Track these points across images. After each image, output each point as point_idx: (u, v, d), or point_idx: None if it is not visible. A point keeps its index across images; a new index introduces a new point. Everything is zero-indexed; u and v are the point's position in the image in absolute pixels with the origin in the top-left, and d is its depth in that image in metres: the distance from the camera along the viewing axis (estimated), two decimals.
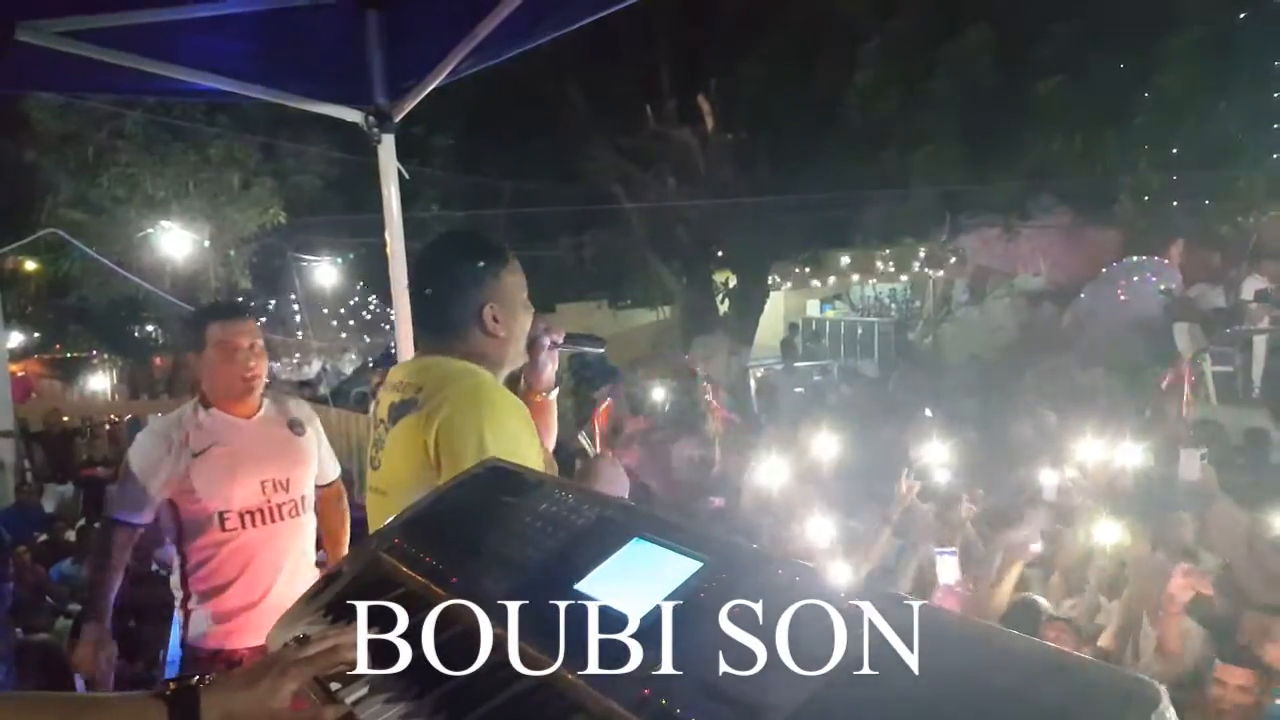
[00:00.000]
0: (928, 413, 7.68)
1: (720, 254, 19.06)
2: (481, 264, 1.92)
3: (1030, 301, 15.46)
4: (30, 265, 15.15)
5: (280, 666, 1.08)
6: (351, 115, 3.23)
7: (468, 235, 2.10)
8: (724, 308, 19.18)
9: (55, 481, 10.25)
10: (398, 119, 3.19)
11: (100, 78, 3.13)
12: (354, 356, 20.21)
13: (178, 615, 2.94)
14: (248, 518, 2.79)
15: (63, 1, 2.64)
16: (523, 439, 1.81)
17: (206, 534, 2.79)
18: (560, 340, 2.10)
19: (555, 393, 2.14)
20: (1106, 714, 0.80)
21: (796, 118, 16.22)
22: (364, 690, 1.15)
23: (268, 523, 2.82)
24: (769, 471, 5.09)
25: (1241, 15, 13.18)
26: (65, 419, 12.77)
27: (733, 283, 19.40)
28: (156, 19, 2.71)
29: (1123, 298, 13.39)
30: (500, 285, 1.92)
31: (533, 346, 2.05)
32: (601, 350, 2.30)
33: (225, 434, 2.83)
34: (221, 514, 2.78)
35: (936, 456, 5.17)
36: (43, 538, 7.74)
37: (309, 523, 2.97)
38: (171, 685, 1.05)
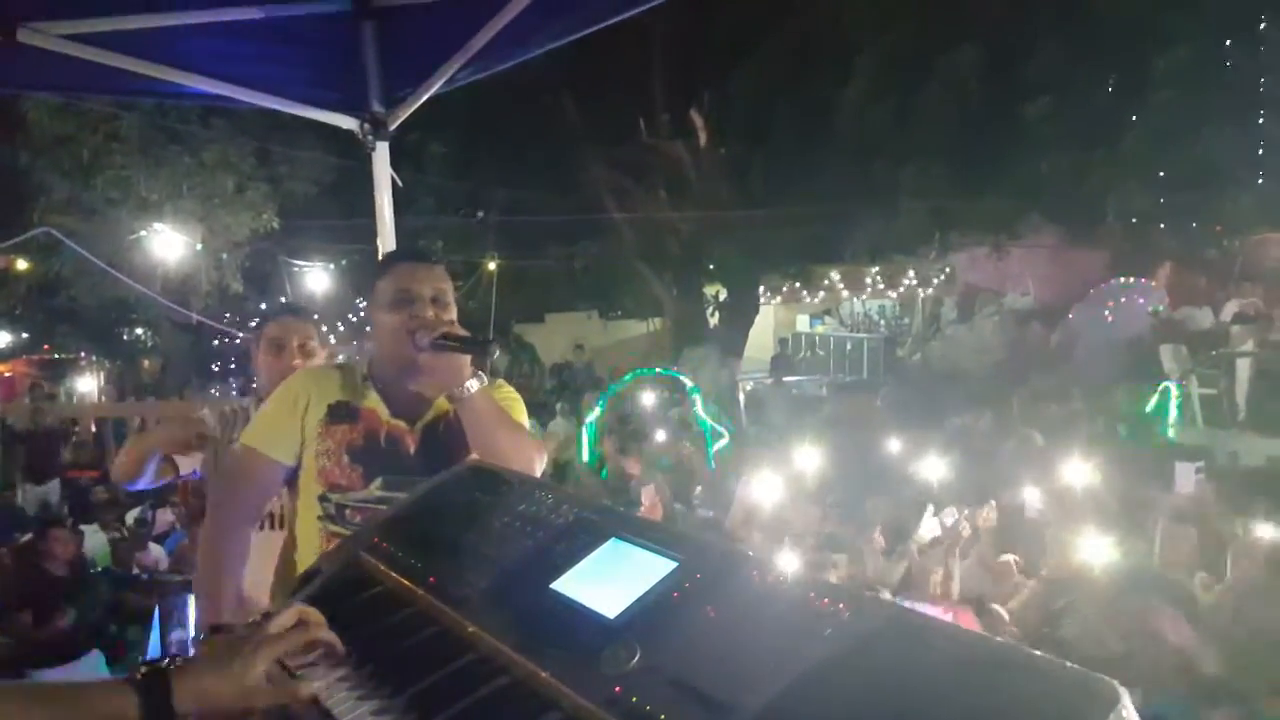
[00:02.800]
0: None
1: (711, 267, 19.11)
2: (370, 279, 2.15)
3: (1019, 320, 15.56)
4: (21, 265, 15.09)
5: (251, 645, 1.08)
6: (347, 123, 3.25)
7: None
8: (714, 320, 19.21)
9: (36, 482, 10.19)
10: (393, 127, 3.21)
11: (100, 80, 3.16)
12: (343, 360, 20.15)
13: (189, 617, 2.96)
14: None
15: (65, 5, 2.67)
16: (261, 420, 2.11)
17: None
18: (424, 343, 1.94)
19: (469, 390, 1.94)
20: (1066, 711, 0.82)
21: (788, 133, 16.29)
22: (333, 674, 1.17)
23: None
24: (760, 487, 5.12)
25: (1229, 38, 13.33)
26: (48, 419, 12.70)
27: (723, 295, 19.45)
28: (157, 23, 2.75)
29: (1110, 318, 13.49)
30: (372, 291, 2.11)
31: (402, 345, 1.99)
32: (489, 354, 2.05)
33: None
34: None
35: (935, 472, 5.23)
36: (25, 538, 7.69)
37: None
38: (142, 670, 1.05)
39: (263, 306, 18.79)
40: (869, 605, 1.05)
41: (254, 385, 3.06)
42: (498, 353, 2.13)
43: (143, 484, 2.82)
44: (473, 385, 1.95)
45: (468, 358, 1.94)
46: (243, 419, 2.84)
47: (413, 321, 1.98)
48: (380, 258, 2.17)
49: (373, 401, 2.05)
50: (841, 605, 1.03)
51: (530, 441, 2.07)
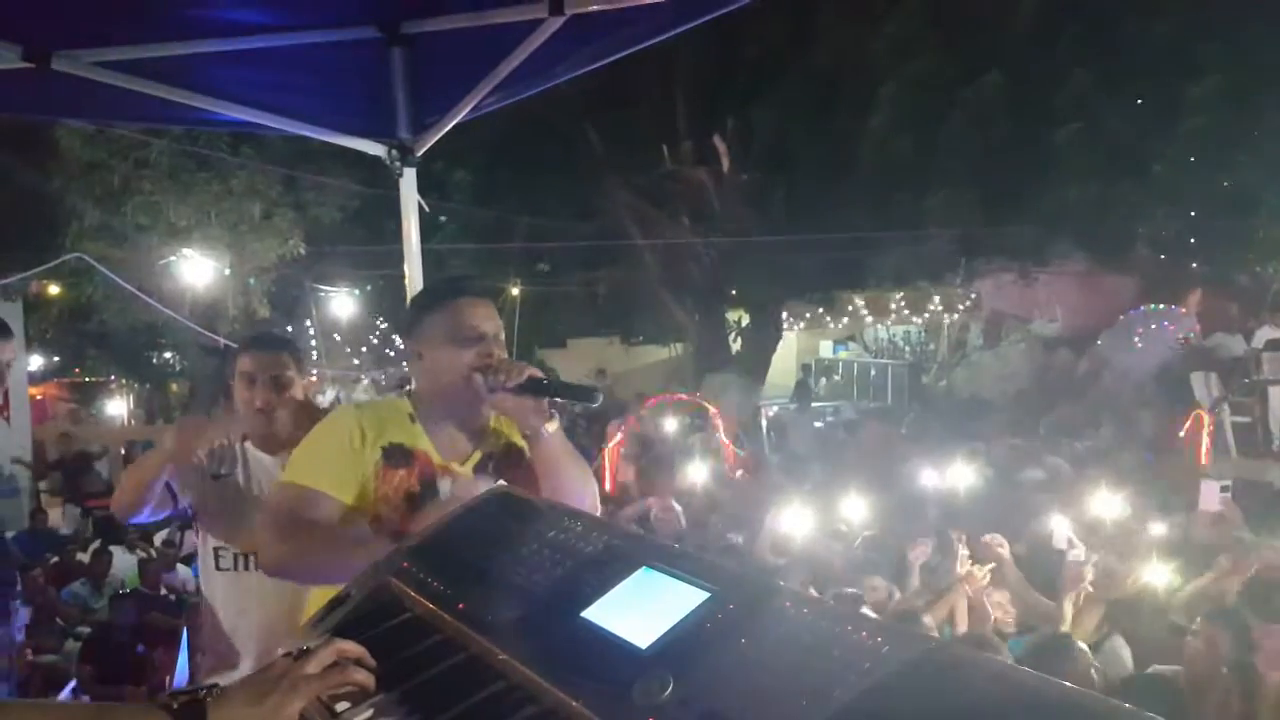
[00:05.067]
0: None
1: (733, 292, 19.13)
2: (411, 312, 2.10)
3: (1046, 347, 15.42)
4: (54, 290, 15.34)
5: (289, 681, 1.07)
6: (375, 149, 3.26)
7: (430, 283, 2.21)
8: (736, 346, 19.20)
9: (67, 504, 10.30)
10: (420, 153, 3.22)
11: (131, 107, 3.19)
12: (368, 385, 20.31)
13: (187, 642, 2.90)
14: (242, 559, 2.65)
15: (97, 32, 2.71)
16: (314, 458, 1.96)
17: (206, 565, 2.74)
18: (505, 384, 1.90)
19: (549, 430, 1.96)
20: None
21: (812, 160, 16.33)
22: (368, 712, 1.15)
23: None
24: (789, 519, 5.08)
25: (1262, 66, 13.24)
26: (75, 444, 12.89)
27: (745, 321, 19.45)
28: (187, 51, 2.78)
29: (1140, 345, 13.32)
30: (422, 325, 2.01)
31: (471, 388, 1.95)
32: (595, 404, 2.13)
33: (244, 467, 2.73)
34: (217, 550, 2.70)
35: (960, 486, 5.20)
36: (54, 559, 7.77)
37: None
38: (179, 697, 1.04)
39: (291, 331, 19.02)
40: (908, 639, 1.02)
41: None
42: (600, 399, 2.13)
43: (144, 516, 2.68)
44: (551, 426, 1.95)
45: (545, 399, 1.95)
46: (229, 455, 2.72)
47: (481, 360, 1.94)
48: (426, 287, 2.09)
49: (424, 443, 1.99)
50: (880, 639, 1.00)
51: (592, 479, 2.09)
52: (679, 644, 1.08)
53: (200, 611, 2.81)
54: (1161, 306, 13.79)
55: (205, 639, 2.77)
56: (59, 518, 9.96)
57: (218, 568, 2.70)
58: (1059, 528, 4.90)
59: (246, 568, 2.67)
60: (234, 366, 2.77)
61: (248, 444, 2.77)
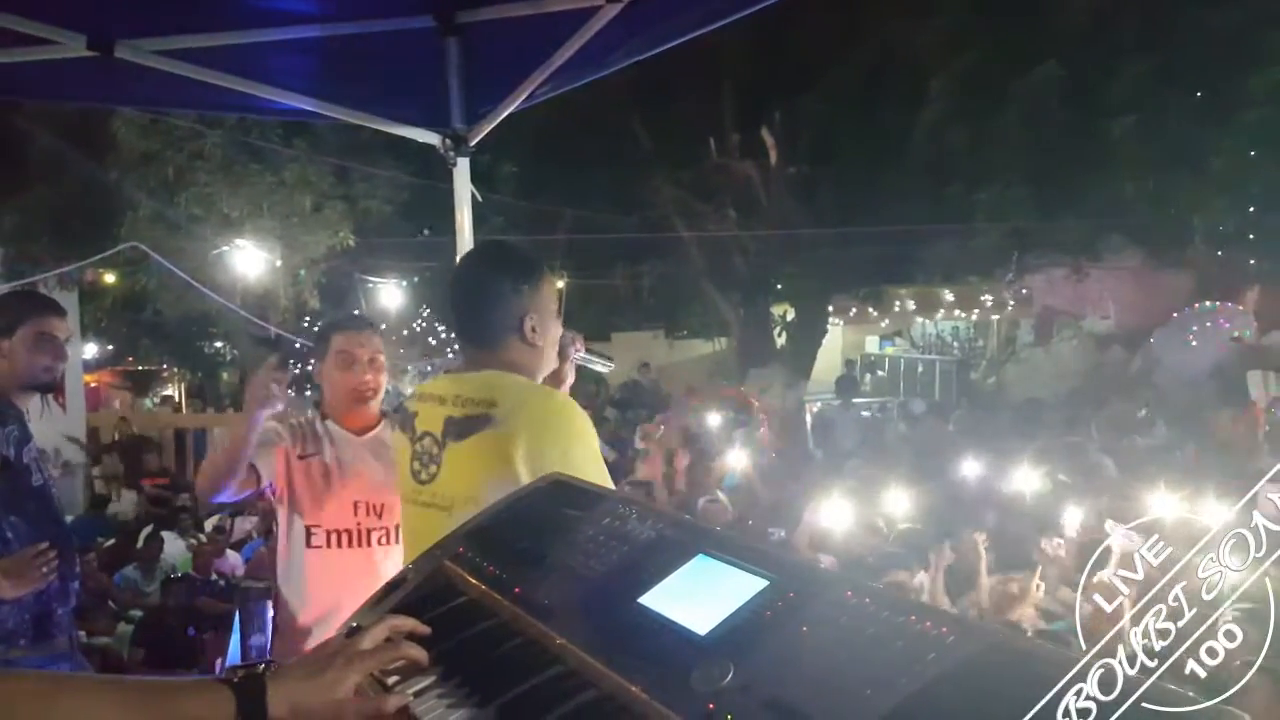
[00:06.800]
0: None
1: (779, 287, 19.01)
2: (522, 276, 1.97)
3: (1098, 344, 15.12)
4: (109, 279, 15.63)
5: (345, 657, 1.08)
6: (429, 138, 3.30)
7: (505, 247, 2.12)
8: (781, 341, 19.09)
9: (120, 490, 10.52)
10: (474, 143, 3.25)
11: (190, 95, 3.27)
12: (415, 376, 20.50)
13: (269, 623, 2.94)
14: (334, 536, 2.71)
15: (159, 21, 2.76)
16: (598, 456, 1.91)
17: (295, 545, 2.76)
18: (582, 351, 2.21)
19: None
20: None
21: (860, 153, 16.17)
22: (424, 683, 1.16)
23: (356, 545, 2.72)
24: (826, 511, 5.04)
25: None
26: (134, 429, 13.18)
27: (791, 316, 19.33)
28: (245, 40, 2.83)
29: (1195, 343, 13.02)
30: (539, 296, 1.97)
31: (561, 356, 2.14)
32: (609, 368, 2.49)
33: (331, 447, 2.77)
34: (309, 528, 2.72)
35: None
36: (109, 543, 7.94)
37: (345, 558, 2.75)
38: (239, 672, 1.06)
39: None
40: (972, 629, 1.00)
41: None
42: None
43: (227, 496, 2.69)
44: None
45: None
46: (310, 432, 2.77)
47: (565, 333, 2.12)
48: (523, 259, 2.04)
49: None
50: (945, 629, 0.99)
51: None
52: (739, 631, 1.07)
53: (278, 592, 2.82)
54: (1218, 303, 13.46)
55: (284, 618, 2.79)
56: (117, 503, 10.18)
57: (309, 545, 2.73)
58: (1070, 519, 4.81)
59: (339, 545, 2.72)
60: (325, 347, 2.79)
61: (329, 423, 2.81)
